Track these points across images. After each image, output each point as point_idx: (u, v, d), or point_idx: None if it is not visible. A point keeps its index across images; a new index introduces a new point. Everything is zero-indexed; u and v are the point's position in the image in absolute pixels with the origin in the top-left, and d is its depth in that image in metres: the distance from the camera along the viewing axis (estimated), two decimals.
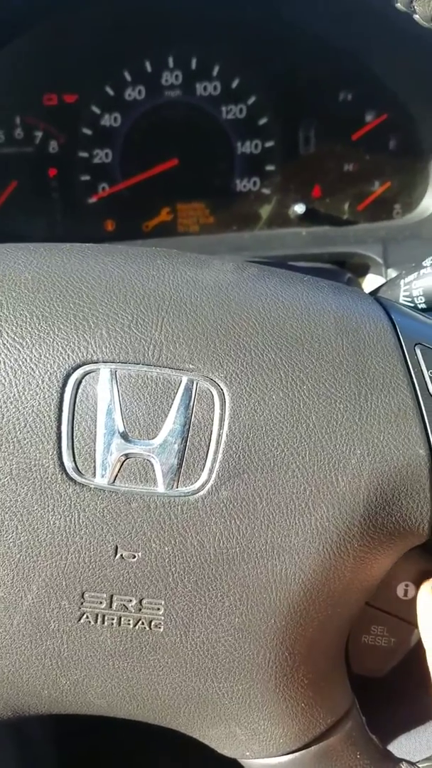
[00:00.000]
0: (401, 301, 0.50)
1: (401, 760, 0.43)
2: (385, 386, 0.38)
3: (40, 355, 0.37)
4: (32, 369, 0.37)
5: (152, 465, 0.37)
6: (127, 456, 0.37)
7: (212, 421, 0.37)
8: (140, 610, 0.38)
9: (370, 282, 0.84)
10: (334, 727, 0.41)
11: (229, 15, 0.76)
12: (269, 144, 0.82)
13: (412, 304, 0.50)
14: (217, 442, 0.37)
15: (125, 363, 0.38)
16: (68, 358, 0.37)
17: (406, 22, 0.42)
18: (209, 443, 0.37)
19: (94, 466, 0.37)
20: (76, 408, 0.37)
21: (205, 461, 0.37)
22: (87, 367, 0.37)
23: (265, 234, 0.85)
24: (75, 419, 0.37)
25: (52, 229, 0.83)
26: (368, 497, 0.37)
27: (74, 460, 0.37)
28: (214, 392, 0.37)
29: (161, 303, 0.39)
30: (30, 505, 0.37)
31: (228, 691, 0.40)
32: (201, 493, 0.37)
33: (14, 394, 0.37)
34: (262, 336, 0.38)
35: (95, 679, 0.40)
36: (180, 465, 0.37)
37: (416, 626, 0.46)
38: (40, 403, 0.37)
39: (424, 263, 0.50)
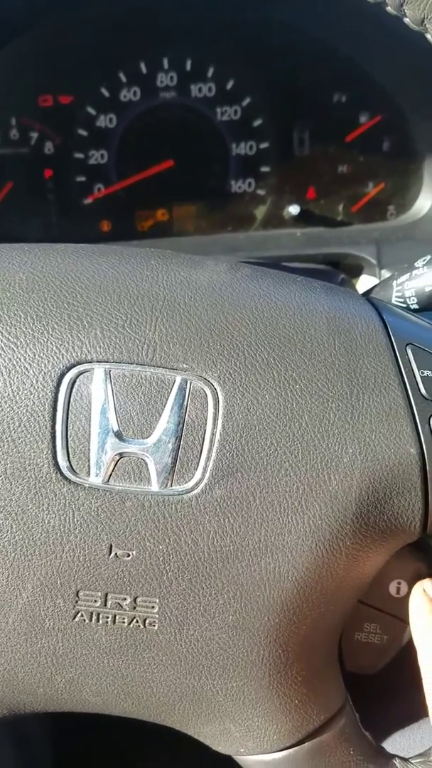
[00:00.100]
0: (394, 301, 0.51)
1: (394, 756, 0.44)
2: (376, 386, 0.38)
3: (35, 355, 0.38)
4: (26, 368, 0.38)
5: (146, 464, 0.37)
6: (121, 455, 0.37)
7: (206, 420, 0.38)
8: (135, 608, 0.38)
9: (364, 283, 0.84)
10: (328, 723, 0.42)
11: (223, 17, 0.76)
12: (264, 145, 0.82)
13: (404, 305, 0.50)
14: (211, 441, 0.37)
15: (119, 363, 0.38)
16: (62, 357, 0.38)
17: (399, 25, 0.42)
18: (203, 442, 0.37)
19: (89, 466, 0.37)
20: (70, 407, 0.37)
21: (199, 460, 0.37)
22: (81, 367, 0.38)
23: (259, 235, 0.85)
24: (69, 419, 0.37)
25: (48, 229, 0.83)
26: (360, 496, 0.38)
27: (69, 460, 0.37)
28: (208, 392, 0.38)
29: (155, 303, 0.39)
30: (25, 504, 0.37)
31: (222, 688, 0.40)
32: (195, 491, 0.37)
33: (8, 394, 0.37)
34: (256, 336, 0.39)
35: (90, 677, 0.40)
36: (174, 464, 0.37)
37: (408, 623, 0.46)
38: (34, 403, 0.37)
39: (416, 264, 0.50)
